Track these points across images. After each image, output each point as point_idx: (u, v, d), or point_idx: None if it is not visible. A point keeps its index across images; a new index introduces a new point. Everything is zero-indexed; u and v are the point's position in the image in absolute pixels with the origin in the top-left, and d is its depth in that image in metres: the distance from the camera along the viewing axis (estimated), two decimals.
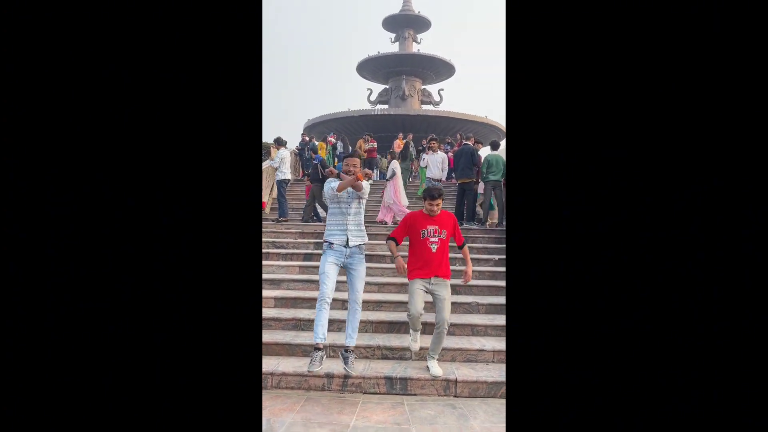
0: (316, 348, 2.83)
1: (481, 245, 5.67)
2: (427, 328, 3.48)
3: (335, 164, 8.32)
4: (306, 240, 5.83)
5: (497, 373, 3.07)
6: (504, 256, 5.20)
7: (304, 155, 11.33)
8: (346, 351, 2.93)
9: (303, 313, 3.81)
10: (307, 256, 5.19)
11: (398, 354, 3.33)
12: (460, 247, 3.27)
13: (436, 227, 3.10)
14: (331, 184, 3.04)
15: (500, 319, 3.78)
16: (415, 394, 2.96)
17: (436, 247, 3.07)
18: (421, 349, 3.16)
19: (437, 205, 3.11)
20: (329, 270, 2.95)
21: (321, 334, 2.83)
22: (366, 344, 3.37)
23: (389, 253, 5.45)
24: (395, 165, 7.45)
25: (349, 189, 2.99)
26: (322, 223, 7.09)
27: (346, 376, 3.01)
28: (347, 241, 2.97)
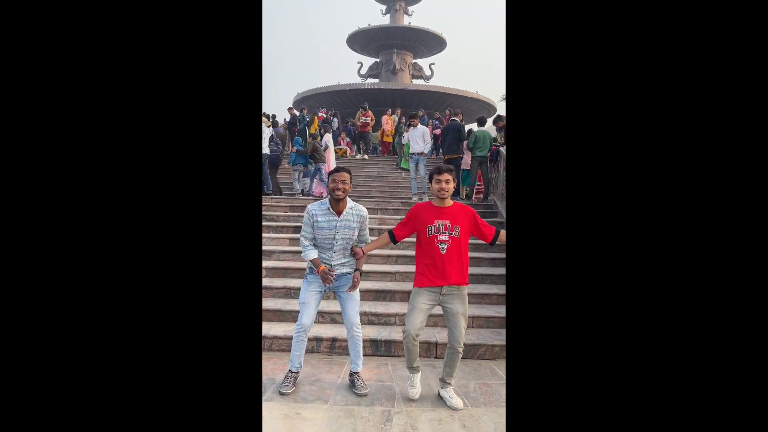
0: (291, 371, 2.64)
1: None
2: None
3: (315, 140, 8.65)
4: (296, 213, 5.96)
5: (474, 336, 3.29)
6: None
7: (293, 130, 11.33)
8: (352, 375, 2.69)
9: (293, 282, 3.99)
10: (297, 229, 5.32)
11: (383, 320, 3.54)
12: (492, 243, 2.50)
13: (447, 222, 2.40)
14: (312, 209, 2.57)
15: (480, 288, 4.00)
16: (398, 356, 3.18)
17: (445, 247, 2.39)
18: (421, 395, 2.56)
19: (446, 181, 2.41)
20: (309, 299, 2.59)
21: (297, 363, 2.62)
22: None
23: (376, 226, 5.60)
24: (328, 138, 7.97)
25: (334, 222, 2.52)
26: (310, 198, 7.20)
27: (334, 339, 3.22)
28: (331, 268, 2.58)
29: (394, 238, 2.54)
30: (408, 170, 9.19)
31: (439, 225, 2.41)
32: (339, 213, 2.53)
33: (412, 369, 2.57)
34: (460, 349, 2.47)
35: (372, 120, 11.67)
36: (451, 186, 2.44)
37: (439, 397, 2.53)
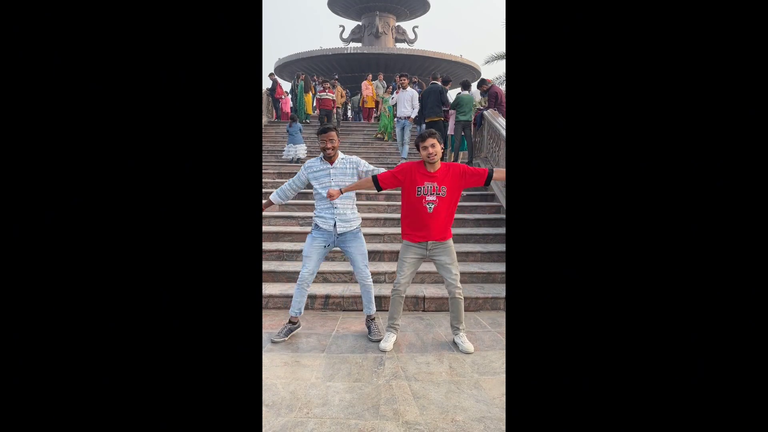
0: (291, 321, 2.84)
1: None
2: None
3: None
4: (284, 180, 6.02)
5: None
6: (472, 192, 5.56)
7: (274, 96, 11.14)
8: (368, 319, 2.92)
9: (285, 246, 4.12)
10: None
11: (374, 278, 3.68)
12: (487, 183, 2.63)
13: (435, 184, 2.57)
14: (308, 162, 2.81)
15: (465, 247, 4.20)
16: (388, 309, 3.37)
17: (432, 207, 2.57)
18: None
19: (431, 145, 2.54)
20: (312, 252, 2.77)
21: (297, 309, 2.82)
22: (345, 270, 3.73)
23: (363, 190, 5.70)
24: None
25: (327, 168, 2.74)
26: (299, 164, 7.24)
27: (327, 296, 3.39)
28: (335, 225, 2.74)
29: (378, 184, 2.65)
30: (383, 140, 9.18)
31: (428, 186, 2.58)
32: (331, 162, 2.77)
33: (392, 327, 2.77)
34: (458, 294, 2.69)
35: (342, 96, 10.89)
36: (438, 148, 2.56)
37: (454, 343, 2.74)
